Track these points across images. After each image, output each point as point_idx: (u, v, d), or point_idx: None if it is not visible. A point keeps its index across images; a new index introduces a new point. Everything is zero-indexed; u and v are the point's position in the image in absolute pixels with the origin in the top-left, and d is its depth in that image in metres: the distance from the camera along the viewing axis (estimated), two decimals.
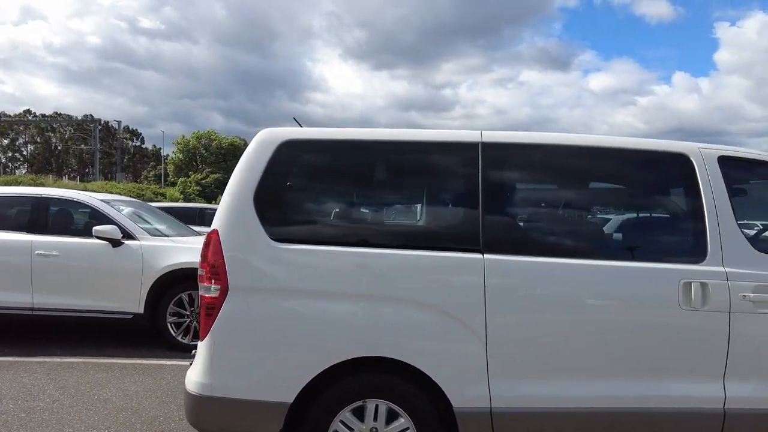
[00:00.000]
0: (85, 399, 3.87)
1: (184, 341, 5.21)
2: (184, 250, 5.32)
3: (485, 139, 2.65)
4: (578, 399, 2.49)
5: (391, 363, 2.45)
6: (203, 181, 49.74)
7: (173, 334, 5.21)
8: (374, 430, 2.45)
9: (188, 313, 5.22)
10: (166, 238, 5.61)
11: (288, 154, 2.60)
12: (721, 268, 2.58)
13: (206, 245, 2.53)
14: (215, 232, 2.50)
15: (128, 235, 5.26)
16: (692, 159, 2.74)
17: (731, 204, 2.66)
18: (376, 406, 2.46)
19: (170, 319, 5.21)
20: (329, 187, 2.77)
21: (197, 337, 4.99)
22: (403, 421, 2.46)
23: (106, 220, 5.31)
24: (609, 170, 2.78)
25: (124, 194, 19.37)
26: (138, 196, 21.26)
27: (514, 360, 2.48)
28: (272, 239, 2.48)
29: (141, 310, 5.14)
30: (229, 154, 51.84)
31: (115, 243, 5.16)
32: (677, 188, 2.75)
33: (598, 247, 2.72)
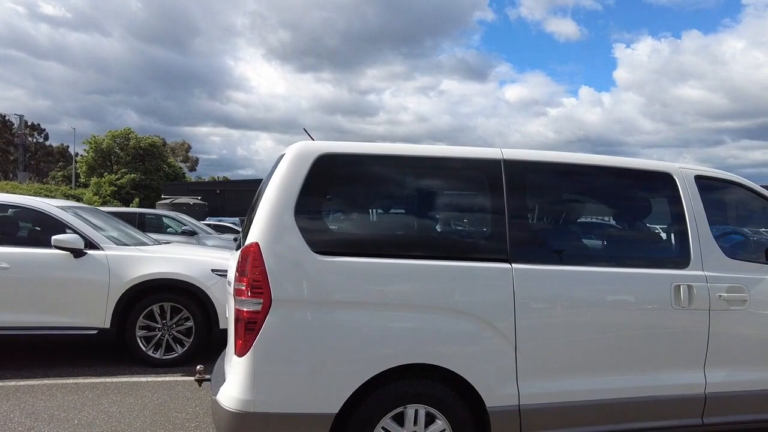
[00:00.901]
0: (65, 424, 3.58)
1: (155, 356, 4.93)
2: (156, 260, 5.04)
3: (506, 157, 2.87)
4: (593, 392, 2.77)
5: (428, 368, 2.57)
6: (118, 182, 46.30)
7: (143, 349, 4.91)
8: None
9: (160, 326, 4.95)
10: (134, 247, 5.27)
11: (325, 167, 2.64)
12: (702, 272, 3.00)
13: (244, 258, 2.50)
14: (255, 245, 2.48)
15: (91, 245, 4.90)
16: (675, 177, 3.15)
17: (707, 216, 3.10)
18: (416, 411, 2.57)
19: (140, 333, 4.91)
20: (366, 201, 2.84)
21: (170, 351, 4.85)
22: (440, 423, 2.59)
23: (65, 228, 4.90)
24: (612, 187, 3.12)
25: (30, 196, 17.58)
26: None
27: (539, 359, 2.70)
28: (314, 252, 2.51)
29: (107, 325, 4.80)
30: (147, 155, 48.74)
31: (77, 253, 4.79)
32: (665, 203, 3.13)
33: (609, 255, 3.04)
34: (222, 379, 2.88)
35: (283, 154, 2.84)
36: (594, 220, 3.18)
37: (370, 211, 2.82)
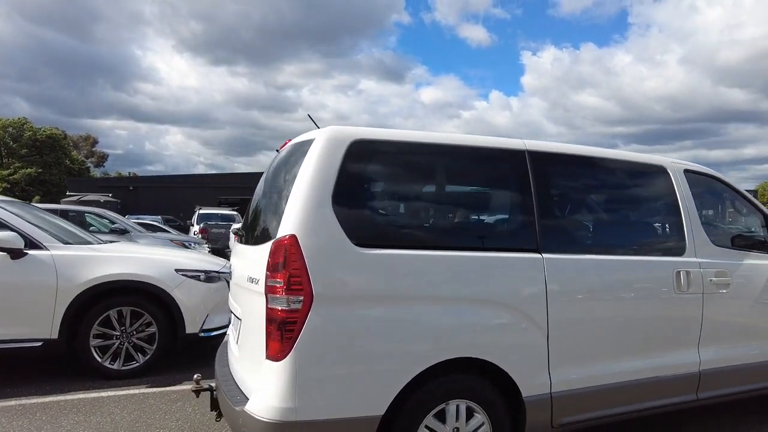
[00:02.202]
0: None
1: (112, 367, 4.40)
2: (112, 260, 4.49)
3: (529, 148, 2.88)
4: (612, 376, 2.87)
5: (469, 362, 2.51)
6: (11, 178, 41.24)
7: (99, 360, 4.36)
8: (456, 430, 2.49)
9: (118, 333, 4.43)
10: (84, 246, 4.66)
11: (359, 153, 2.48)
12: (695, 259, 3.22)
13: (279, 252, 2.27)
14: (293, 237, 2.26)
15: (33, 244, 4.25)
16: (669, 171, 3.36)
17: (696, 207, 3.34)
18: (457, 407, 2.49)
19: (94, 342, 4.35)
20: (401, 190, 2.70)
21: (130, 360, 4.36)
22: (479, 417, 2.54)
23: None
24: (623, 179, 3.25)
25: None
26: None
27: (568, 347, 2.74)
28: (355, 244, 2.34)
29: (55, 336, 4.20)
30: (45, 147, 43.86)
31: (16, 254, 4.13)
32: (663, 195, 3.32)
33: (625, 244, 3.15)
34: (235, 387, 2.62)
35: (304, 141, 2.63)
36: (610, 211, 3.29)
37: (407, 200, 2.69)
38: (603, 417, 2.90)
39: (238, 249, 3.12)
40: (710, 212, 3.62)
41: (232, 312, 3.06)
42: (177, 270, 4.66)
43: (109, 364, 4.40)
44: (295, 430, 2.19)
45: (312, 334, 2.23)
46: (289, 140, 3.08)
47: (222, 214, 18.20)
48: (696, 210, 3.34)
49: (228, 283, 5.14)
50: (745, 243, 3.61)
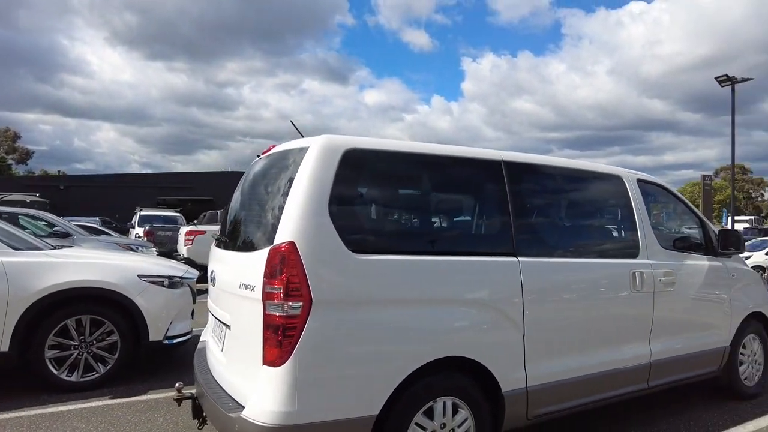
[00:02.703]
0: None
1: (70, 379, 4.18)
2: (69, 266, 4.26)
3: (504, 159, 3.08)
4: (580, 369, 3.12)
5: (454, 361, 2.65)
6: None
7: (55, 372, 4.13)
8: (443, 425, 2.62)
9: (77, 343, 4.21)
10: (36, 252, 4.38)
11: (353, 162, 2.55)
12: (647, 261, 3.56)
13: (277, 259, 2.30)
14: (291, 243, 2.30)
15: None
16: (624, 180, 3.69)
17: (648, 212, 3.69)
18: (444, 404, 2.62)
19: (50, 354, 4.11)
20: (393, 197, 2.78)
21: (89, 371, 4.16)
22: (464, 412, 2.69)
23: None
24: (587, 187, 3.53)
25: None
26: None
27: (542, 343, 2.95)
28: (350, 250, 2.42)
29: (5, 348, 3.93)
30: None
31: None
32: (619, 202, 3.64)
33: (589, 247, 3.42)
34: (223, 394, 2.62)
35: (295, 149, 2.67)
36: (575, 217, 3.55)
37: (396, 208, 2.79)
38: (571, 408, 3.14)
39: (220, 255, 3.09)
40: (657, 218, 3.98)
41: (215, 318, 3.02)
42: (140, 276, 4.50)
43: (66, 376, 4.18)
44: None
45: (310, 339, 2.28)
46: (273, 146, 3.10)
47: (165, 216, 17.46)
48: (647, 216, 3.69)
49: (191, 288, 5.03)
50: (685, 245, 4.02)
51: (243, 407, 2.37)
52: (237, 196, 3.34)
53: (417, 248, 2.67)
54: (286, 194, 2.46)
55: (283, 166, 2.73)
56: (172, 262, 5.47)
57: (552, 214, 3.38)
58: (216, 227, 10.13)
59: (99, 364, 4.30)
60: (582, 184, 3.51)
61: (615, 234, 3.64)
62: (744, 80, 21.00)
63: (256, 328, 2.37)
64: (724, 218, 28.30)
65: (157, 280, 4.61)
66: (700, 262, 3.99)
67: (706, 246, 4.13)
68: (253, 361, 2.38)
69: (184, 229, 9.95)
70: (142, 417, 3.68)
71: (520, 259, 2.92)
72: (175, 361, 5.10)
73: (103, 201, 38.12)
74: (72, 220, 16.13)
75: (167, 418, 3.66)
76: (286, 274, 2.28)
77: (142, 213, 17.24)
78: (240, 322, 2.58)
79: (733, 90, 21.12)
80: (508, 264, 2.88)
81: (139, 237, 14.10)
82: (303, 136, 3.12)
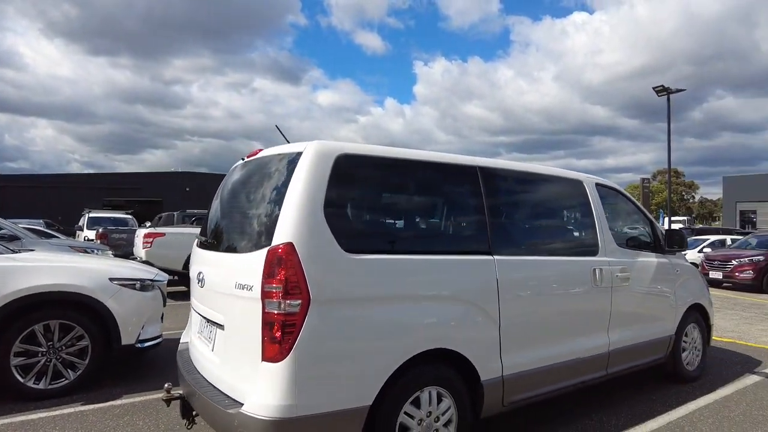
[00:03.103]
0: None
1: (37, 387, 4.05)
2: (37, 270, 4.13)
3: (480, 164, 3.31)
4: (549, 358, 3.39)
5: (438, 353, 2.84)
6: None
7: (21, 380, 3.99)
8: (429, 413, 2.80)
9: (45, 350, 4.09)
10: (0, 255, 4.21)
11: (345, 167, 2.69)
12: (606, 258, 3.90)
13: (276, 260, 2.40)
14: (290, 245, 2.41)
15: None
16: (584, 184, 4.02)
17: (605, 214, 4.04)
18: (429, 393, 2.81)
19: (15, 361, 3.97)
20: (381, 200, 2.93)
21: (58, 378, 4.06)
22: (447, 401, 2.88)
23: None
24: (552, 191, 3.82)
25: None
26: None
27: (515, 335, 3.19)
28: (344, 250, 2.55)
29: None
30: None
31: None
32: (580, 204, 3.96)
33: (556, 246, 3.70)
34: (217, 393, 2.68)
35: (288, 153, 2.77)
36: (542, 218, 3.83)
37: (385, 210, 2.93)
38: (541, 394, 3.40)
39: (206, 257, 3.13)
40: (612, 218, 4.34)
41: (203, 318, 3.06)
42: (111, 279, 4.42)
43: (34, 383, 4.04)
44: (296, 425, 2.34)
45: (309, 335, 2.39)
46: (260, 150, 3.18)
47: (115, 218, 16.77)
48: (605, 217, 4.04)
49: (162, 291, 4.98)
50: (636, 244, 4.41)
51: (241, 404, 2.45)
52: (221, 198, 3.39)
53: (404, 248, 2.84)
54: (281, 197, 2.57)
55: (274, 170, 2.83)
56: (141, 265, 5.37)
57: (522, 216, 3.64)
58: (175, 229, 9.90)
59: (68, 371, 4.19)
60: (548, 188, 3.80)
61: (577, 234, 3.95)
62: (678, 91, 22.62)
63: (254, 327, 2.46)
64: (660, 219, 30.34)
65: (129, 283, 4.54)
66: (650, 259, 4.39)
67: (655, 244, 4.54)
68: (251, 358, 2.47)
69: (141, 231, 9.65)
70: (120, 421, 3.64)
71: (495, 257, 3.15)
72: (145, 365, 5.03)
73: (42, 202, 35.98)
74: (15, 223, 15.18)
75: (147, 422, 3.64)
76: (285, 273, 2.38)
77: (91, 215, 16.47)
78: (235, 321, 2.65)
79: (668, 99, 22.69)
80: (485, 262, 3.10)
81: (90, 240, 13.48)
82: (288, 141, 3.23)
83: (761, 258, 12.87)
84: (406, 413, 2.71)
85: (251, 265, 2.52)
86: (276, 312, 2.38)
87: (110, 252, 9.76)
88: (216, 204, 3.48)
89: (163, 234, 9.26)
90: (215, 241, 3.14)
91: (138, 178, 42.34)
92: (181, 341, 3.75)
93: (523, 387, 3.26)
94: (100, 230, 12.87)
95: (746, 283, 12.61)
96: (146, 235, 9.09)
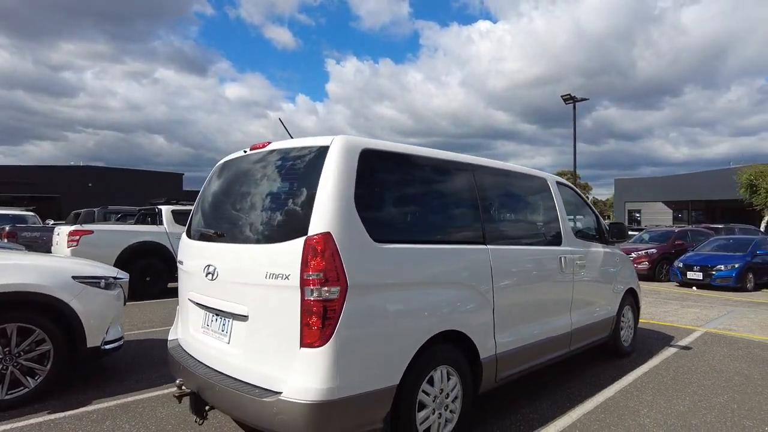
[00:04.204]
0: None
1: None
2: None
3: (474, 163, 3.62)
4: (529, 337, 3.77)
5: (448, 334, 3.07)
6: None
7: None
8: (441, 390, 3.03)
9: (1, 356, 3.71)
10: None
11: (368, 161, 2.82)
12: (568, 248, 4.39)
13: (315, 248, 2.48)
14: (327, 234, 2.51)
15: None
16: (548, 182, 4.49)
17: (564, 209, 4.54)
18: (441, 372, 3.03)
19: None
20: (401, 192, 3.05)
21: (16, 386, 3.74)
22: (454, 378, 3.13)
23: None
24: (527, 188, 4.23)
25: None
26: None
27: (505, 316, 3.51)
28: (373, 240, 2.69)
29: None
30: None
31: None
32: (548, 200, 4.41)
33: (532, 237, 4.10)
34: (241, 384, 2.70)
35: (312, 146, 2.84)
36: (520, 211, 4.21)
37: (404, 203, 3.08)
38: (522, 371, 3.77)
39: (216, 249, 3.07)
40: (568, 212, 4.87)
41: (213, 312, 3.02)
42: (75, 277, 4.11)
43: None
44: (338, 406, 2.44)
45: (347, 320, 2.51)
46: (268, 142, 3.19)
47: (15, 215, 15.03)
48: (565, 211, 4.54)
49: (123, 289, 4.71)
50: (587, 235, 4.99)
51: (276, 392, 2.50)
52: (223, 189, 3.35)
53: (421, 238, 3.03)
54: (311, 188, 2.64)
55: (297, 163, 2.88)
56: (98, 263, 5.00)
57: (505, 209, 4.00)
58: (105, 227, 9.19)
59: (27, 378, 3.84)
60: (523, 184, 4.21)
61: (547, 226, 4.40)
62: (582, 99, 25.03)
63: (290, 315, 2.52)
64: None
65: (94, 282, 4.25)
66: (598, 249, 4.99)
67: (600, 236, 5.16)
68: (286, 346, 2.53)
69: (64, 229, 8.82)
70: (101, 426, 3.44)
71: (489, 246, 3.46)
72: (105, 368, 4.72)
73: None
74: None
75: (134, 424, 3.48)
76: (324, 261, 2.48)
77: None
78: (265, 311, 2.67)
79: (574, 107, 25.03)
80: (482, 251, 3.40)
81: None
82: (291, 136, 3.29)
83: (654, 251, 14.73)
84: (423, 391, 2.91)
85: (286, 254, 2.57)
86: (316, 299, 2.46)
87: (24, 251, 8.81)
88: (215, 195, 3.42)
89: (92, 231, 8.55)
90: (224, 232, 3.10)
91: (32, 173, 37.85)
92: (170, 338, 3.63)
93: (511, 364, 3.61)
94: (7, 228, 11.46)
95: (643, 273, 14.35)
96: (72, 233, 8.34)
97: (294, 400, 2.42)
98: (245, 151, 3.34)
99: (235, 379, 2.76)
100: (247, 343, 2.75)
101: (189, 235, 3.54)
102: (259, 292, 2.70)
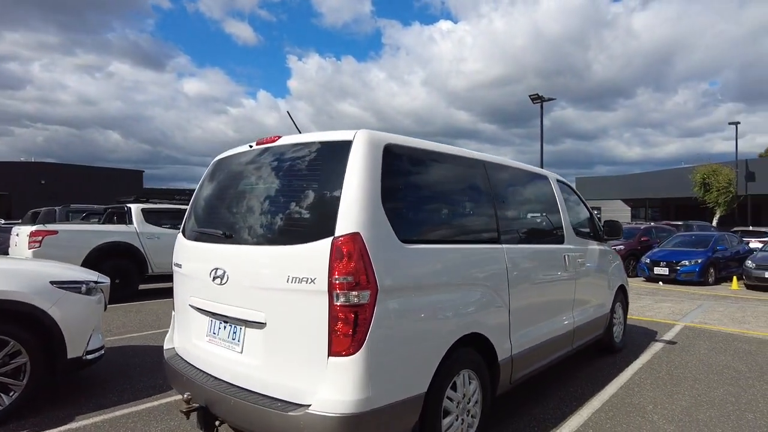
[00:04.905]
0: None
1: None
2: None
3: (485, 160, 3.53)
4: (539, 337, 3.72)
5: (469, 337, 2.97)
6: None
7: None
8: (464, 395, 2.92)
9: None
10: None
11: (391, 157, 2.67)
12: (570, 246, 4.38)
13: (343, 250, 2.32)
14: (357, 234, 2.35)
15: None
16: (550, 180, 4.46)
17: (566, 207, 4.52)
18: (463, 376, 2.93)
19: None
20: (422, 190, 2.91)
21: None
22: (474, 383, 3.03)
23: None
24: (534, 186, 4.18)
25: None
26: None
27: (519, 316, 3.45)
28: (399, 240, 2.55)
29: None
30: None
31: None
32: (551, 198, 4.38)
33: (541, 236, 4.05)
34: (258, 397, 2.51)
35: (331, 141, 2.66)
36: (529, 210, 4.15)
37: (426, 201, 2.94)
38: (533, 371, 3.72)
39: (224, 251, 2.84)
40: (567, 210, 4.87)
41: (220, 319, 2.80)
42: (53, 282, 3.77)
43: None
44: (370, 418, 2.29)
45: (378, 326, 2.35)
46: (277, 137, 3.00)
47: None
48: (567, 210, 4.53)
49: (104, 294, 4.37)
50: (585, 233, 5.00)
51: (301, 404, 2.33)
52: (228, 186, 3.12)
53: (443, 237, 2.92)
54: (333, 186, 2.47)
55: (315, 158, 2.69)
56: (76, 266, 4.62)
57: (515, 207, 3.92)
58: (71, 227, 8.63)
59: (1, 395, 3.49)
60: (530, 182, 4.16)
61: (551, 224, 4.37)
62: (549, 99, 25.57)
63: (316, 321, 2.35)
64: None
65: (74, 287, 3.91)
66: (595, 246, 5.01)
67: (595, 234, 5.19)
68: (312, 355, 2.35)
69: (25, 229, 8.21)
70: None
71: (504, 245, 3.38)
72: (86, 378, 4.37)
73: None
74: None
75: None
76: (354, 263, 2.31)
77: None
78: (286, 317, 2.48)
79: (542, 107, 25.53)
80: (498, 250, 3.32)
81: None
82: (300, 131, 3.11)
83: (622, 247, 15.19)
84: (447, 397, 2.80)
85: (310, 256, 2.39)
86: (346, 304, 2.30)
87: None
88: (218, 193, 3.19)
89: (56, 232, 8.00)
90: (234, 233, 2.88)
91: None
92: (165, 347, 3.37)
93: (525, 364, 3.54)
94: None
95: None
96: (34, 233, 7.77)
97: (324, 414, 2.25)
98: (250, 146, 3.12)
99: (252, 391, 2.56)
100: (266, 353, 2.55)
101: (187, 236, 3.29)
102: (279, 298, 2.51)
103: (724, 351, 5.71)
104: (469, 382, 2.97)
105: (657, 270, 13.33)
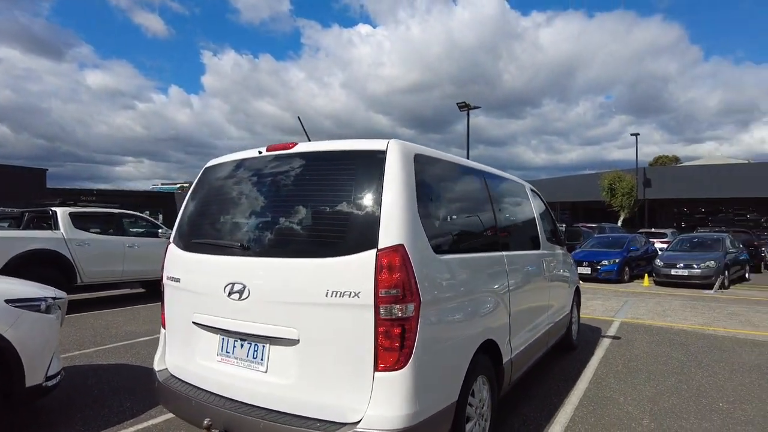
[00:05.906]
0: None
1: None
2: None
3: (485, 170, 3.66)
4: (528, 338, 3.90)
5: (485, 343, 3.05)
6: None
7: None
8: (480, 400, 2.99)
9: None
10: None
11: (421, 167, 2.67)
12: (545, 251, 4.65)
13: (389, 263, 2.28)
14: (401, 246, 2.32)
15: None
16: (526, 188, 4.71)
17: (541, 214, 4.79)
18: (479, 382, 3.00)
19: None
20: (446, 201, 2.91)
21: None
22: (486, 386, 3.11)
23: None
24: (514, 195, 4.37)
25: None
26: None
27: (516, 320, 3.59)
28: (433, 251, 2.57)
29: None
30: None
31: None
32: (527, 206, 4.60)
33: (527, 243, 4.24)
34: (288, 417, 2.40)
35: (361, 150, 2.60)
36: (516, 218, 4.31)
37: (450, 211, 2.95)
38: (524, 372, 3.90)
39: (244, 264, 2.64)
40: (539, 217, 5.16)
41: (236, 337, 2.62)
42: (8, 301, 3.31)
43: None
44: (421, 431, 2.28)
45: (422, 339, 2.34)
46: (293, 144, 2.87)
47: None
48: (541, 217, 4.79)
49: (62, 309, 3.93)
50: (551, 238, 5.32)
51: (347, 423, 2.26)
52: (241, 195, 2.92)
53: (464, 247, 2.97)
54: (372, 197, 2.42)
55: (343, 168, 2.61)
56: (29, 281, 4.06)
57: (507, 215, 4.08)
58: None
59: None
60: (514, 190, 4.36)
61: (531, 230, 4.59)
62: (476, 107, 26.77)
63: (359, 336, 2.29)
64: None
65: (32, 305, 3.46)
66: (560, 251, 5.35)
67: (558, 239, 5.53)
68: (357, 370, 2.29)
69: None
70: None
71: (503, 253, 3.52)
72: (40, 408, 3.87)
73: None
74: None
75: None
76: (400, 276, 2.29)
77: None
78: (324, 333, 2.38)
79: (468, 114, 26.66)
80: (500, 257, 3.44)
81: None
82: (309, 138, 3.03)
83: None
84: (469, 403, 2.85)
85: (353, 269, 2.32)
86: (392, 318, 2.27)
87: None
88: (226, 202, 2.98)
89: None
90: (253, 245, 2.70)
91: None
92: (157, 368, 3.09)
93: (519, 365, 3.70)
94: None
95: None
96: None
97: (376, 430, 2.20)
98: (260, 152, 2.96)
99: (282, 412, 2.43)
100: (299, 371, 2.43)
101: (184, 248, 3.04)
102: (315, 312, 2.40)
103: (661, 343, 6.34)
104: (483, 387, 3.05)
105: (580, 270, 14.41)
